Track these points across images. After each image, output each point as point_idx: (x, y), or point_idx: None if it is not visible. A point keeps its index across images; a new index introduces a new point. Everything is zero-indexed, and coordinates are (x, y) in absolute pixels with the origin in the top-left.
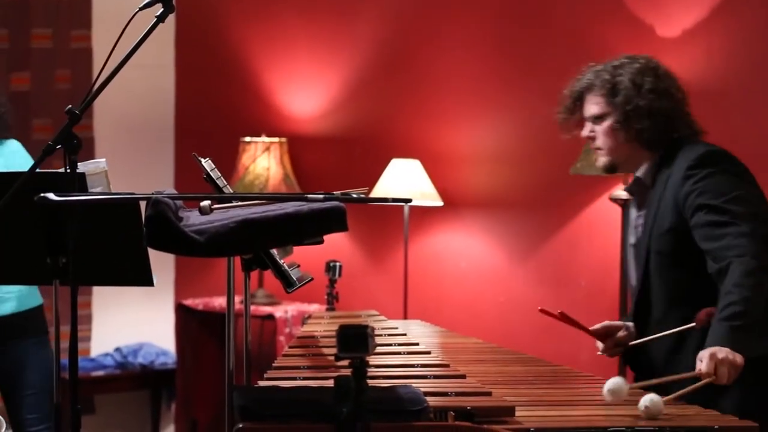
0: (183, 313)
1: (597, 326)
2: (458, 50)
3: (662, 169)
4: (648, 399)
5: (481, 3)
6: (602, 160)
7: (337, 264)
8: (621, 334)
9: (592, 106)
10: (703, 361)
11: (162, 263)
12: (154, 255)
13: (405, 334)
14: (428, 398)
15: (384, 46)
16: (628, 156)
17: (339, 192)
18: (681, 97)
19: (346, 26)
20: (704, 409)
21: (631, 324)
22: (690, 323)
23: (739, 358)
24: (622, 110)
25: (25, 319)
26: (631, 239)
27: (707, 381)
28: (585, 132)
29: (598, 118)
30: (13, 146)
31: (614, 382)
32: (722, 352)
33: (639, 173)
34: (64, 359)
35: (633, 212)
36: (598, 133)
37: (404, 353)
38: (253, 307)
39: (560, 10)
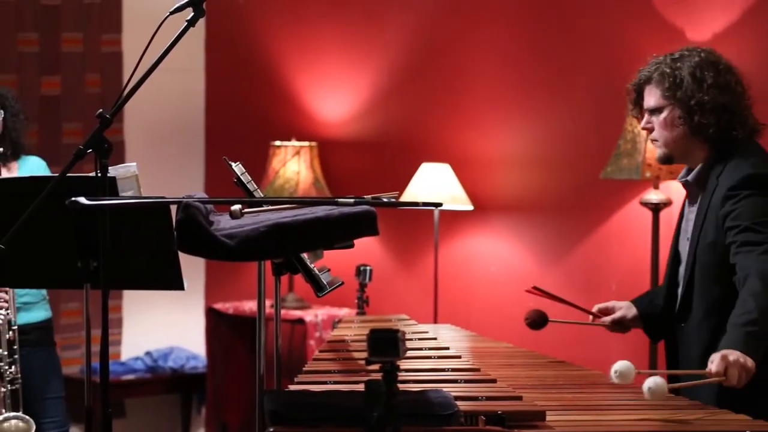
0: (213, 317)
1: (601, 305)
2: (488, 54)
3: (713, 176)
4: (652, 380)
5: (510, 7)
6: (659, 151)
7: (368, 268)
8: (618, 315)
9: (650, 98)
10: (714, 362)
11: (192, 267)
12: (184, 259)
13: (435, 339)
14: (459, 402)
15: (414, 50)
16: (685, 149)
17: (369, 196)
18: (741, 91)
19: (376, 30)
20: (735, 414)
21: (632, 306)
22: (716, 338)
23: (750, 362)
24: (685, 105)
25: (40, 329)
26: (688, 233)
27: (716, 381)
28: (642, 123)
29: (655, 111)
30: (36, 162)
31: (622, 364)
32: (734, 354)
33: (690, 177)
34: (95, 363)
35: (686, 205)
36: (655, 125)
37: (435, 357)
38: (283, 311)
39: (590, 14)
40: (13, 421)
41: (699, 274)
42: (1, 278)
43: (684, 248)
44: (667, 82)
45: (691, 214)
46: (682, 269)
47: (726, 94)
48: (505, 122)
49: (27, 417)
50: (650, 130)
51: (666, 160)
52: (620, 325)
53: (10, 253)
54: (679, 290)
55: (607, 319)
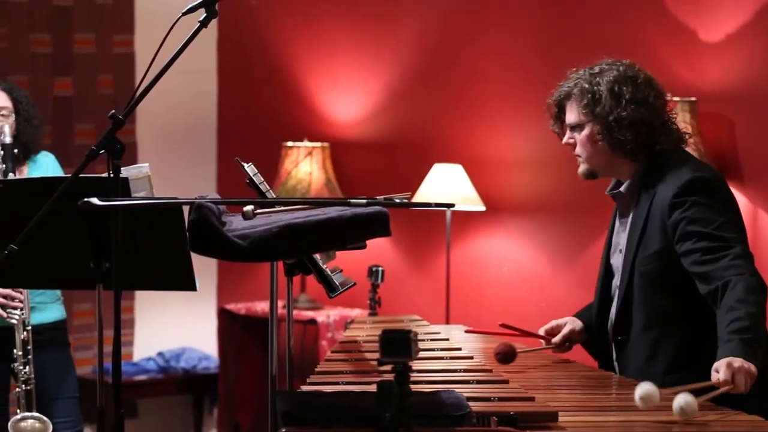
0: (225, 318)
1: (546, 327)
2: (500, 55)
3: (647, 186)
4: (683, 400)
5: (523, 8)
6: (582, 167)
7: (380, 269)
8: (567, 330)
9: (571, 114)
10: (720, 371)
11: (204, 268)
12: (196, 259)
13: (447, 339)
14: (471, 403)
15: (426, 51)
16: (608, 164)
17: (382, 197)
18: (660, 104)
19: (388, 31)
20: (748, 415)
21: (576, 319)
22: (658, 348)
23: (753, 367)
24: (603, 121)
25: (54, 329)
26: (620, 245)
27: (726, 389)
28: (565, 139)
29: (576, 127)
30: (45, 161)
31: (645, 388)
32: (737, 361)
33: (622, 188)
34: (108, 363)
35: (616, 218)
36: (577, 141)
37: (447, 358)
38: (295, 312)
39: (602, 14)
40: (30, 421)
41: (639, 285)
42: (14, 279)
43: (617, 261)
44: (586, 99)
45: (623, 226)
46: (616, 282)
47: (644, 109)
48: (518, 123)
49: (45, 418)
50: (573, 146)
51: (589, 175)
52: (568, 341)
53: (22, 253)
54: (614, 304)
55: (558, 338)
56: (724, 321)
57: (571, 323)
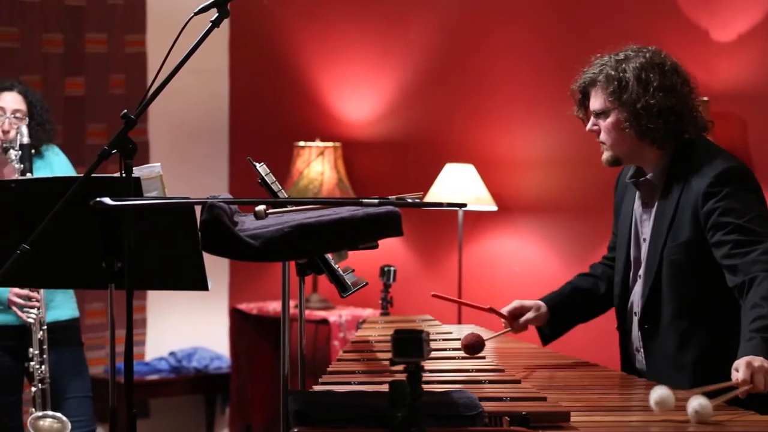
0: (237, 318)
1: (509, 307)
2: (512, 55)
3: (676, 175)
4: (697, 403)
5: (534, 7)
6: (606, 154)
7: (392, 269)
8: (530, 315)
9: (595, 101)
10: (739, 370)
11: (216, 268)
12: (208, 259)
13: (459, 339)
14: (483, 403)
15: (438, 51)
16: (633, 151)
17: (394, 196)
18: (687, 92)
19: (399, 31)
20: (762, 415)
21: (542, 304)
22: (689, 337)
23: None
24: (631, 108)
25: (67, 328)
26: (644, 234)
27: (746, 389)
28: (589, 126)
29: (601, 114)
30: (52, 160)
31: (660, 393)
32: (758, 360)
33: (649, 176)
34: (120, 363)
35: (637, 207)
36: (602, 128)
37: (459, 358)
38: (307, 312)
39: (614, 15)
40: (49, 421)
41: (668, 274)
42: (26, 278)
43: (642, 251)
44: (612, 86)
45: (647, 215)
46: (640, 272)
47: (672, 97)
48: (529, 122)
49: (64, 418)
50: (597, 133)
51: (613, 162)
52: (522, 325)
53: (35, 253)
54: (636, 292)
55: (521, 321)
56: (748, 318)
57: (536, 309)
